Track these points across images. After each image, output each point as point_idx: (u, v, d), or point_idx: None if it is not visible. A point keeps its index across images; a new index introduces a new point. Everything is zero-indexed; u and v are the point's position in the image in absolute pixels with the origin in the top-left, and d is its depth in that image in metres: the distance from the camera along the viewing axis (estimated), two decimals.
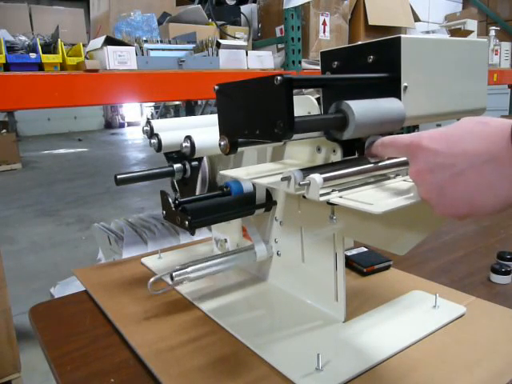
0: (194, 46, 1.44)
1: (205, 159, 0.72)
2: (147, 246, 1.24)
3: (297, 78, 0.39)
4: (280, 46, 1.65)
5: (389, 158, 0.47)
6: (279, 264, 0.67)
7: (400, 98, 0.46)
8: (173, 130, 0.69)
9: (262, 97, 0.42)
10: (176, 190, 0.75)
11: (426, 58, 0.48)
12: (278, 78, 0.39)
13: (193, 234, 0.59)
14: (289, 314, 0.60)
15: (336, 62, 0.53)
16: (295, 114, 0.40)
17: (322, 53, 0.55)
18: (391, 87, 0.47)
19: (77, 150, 8.05)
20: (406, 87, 0.47)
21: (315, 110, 0.55)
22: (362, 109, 0.43)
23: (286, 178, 0.45)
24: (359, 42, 0.51)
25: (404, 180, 0.48)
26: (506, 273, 0.68)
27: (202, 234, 1.16)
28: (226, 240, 0.75)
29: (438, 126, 0.41)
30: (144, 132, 0.70)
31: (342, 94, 0.47)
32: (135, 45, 1.29)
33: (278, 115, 0.40)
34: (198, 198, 0.64)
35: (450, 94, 0.52)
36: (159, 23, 1.55)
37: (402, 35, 0.46)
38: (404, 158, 0.47)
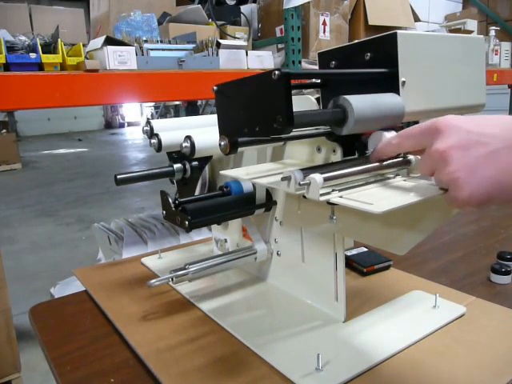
0: (194, 46, 1.44)
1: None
2: (147, 246, 1.24)
3: (294, 71, 0.39)
4: (280, 46, 1.65)
5: (389, 158, 0.47)
6: (279, 264, 0.67)
7: (399, 94, 0.46)
8: (173, 130, 0.69)
9: (260, 93, 0.42)
10: (173, 182, 0.74)
11: (422, 53, 0.48)
12: (276, 72, 0.39)
13: (188, 231, 0.59)
14: (289, 314, 0.60)
15: (333, 62, 0.53)
16: None
17: (319, 54, 0.55)
18: (389, 83, 0.47)
19: (77, 150, 8.05)
20: (404, 82, 0.46)
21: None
22: (360, 103, 0.43)
23: (286, 178, 0.45)
24: (356, 41, 0.51)
25: (404, 180, 0.48)
26: (506, 273, 0.68)
27: (202, 234, 1.16)
28: (226, 240, 0.75)
29: None
30: (144, 132, 0.70)
31: (340, 92, 0.46)
32: (135, 45, 1.29)
33: (276, 110, 0.40)
34: (197, 198, 0.64)
35: (448, 90, 0.52)
36: (159, 23, 1.55)
37: (398, 31, 0.46)
38: (402, 158, 0.47)
